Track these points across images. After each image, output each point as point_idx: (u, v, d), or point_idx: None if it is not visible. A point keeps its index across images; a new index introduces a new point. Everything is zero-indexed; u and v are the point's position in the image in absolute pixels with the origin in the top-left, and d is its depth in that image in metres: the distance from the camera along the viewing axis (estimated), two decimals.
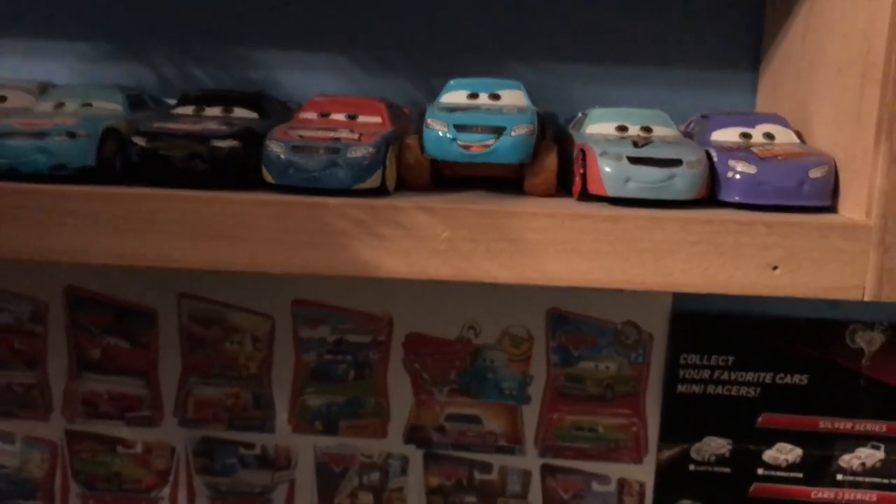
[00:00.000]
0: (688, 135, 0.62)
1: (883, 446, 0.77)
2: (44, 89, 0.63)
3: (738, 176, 0.54)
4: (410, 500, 0.80)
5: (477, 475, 0.80)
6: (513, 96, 0.61)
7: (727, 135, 0.60)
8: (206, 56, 0.74)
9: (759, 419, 0.77)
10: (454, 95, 0.61)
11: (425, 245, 0.51)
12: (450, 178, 0.58)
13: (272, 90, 0.70)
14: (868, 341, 0.75)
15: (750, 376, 0.76)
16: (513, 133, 0.55)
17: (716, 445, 0.78)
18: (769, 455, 0.77)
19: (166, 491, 0.81)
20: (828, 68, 0.58)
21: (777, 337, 0.76)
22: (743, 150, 0.56)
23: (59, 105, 0.59)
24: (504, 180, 0.58)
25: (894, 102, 0.50)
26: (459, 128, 0.55)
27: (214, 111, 0.60)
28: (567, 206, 0.54)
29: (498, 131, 0.55)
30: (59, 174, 0.53)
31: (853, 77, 0.54)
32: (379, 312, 0.77)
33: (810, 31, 0.62)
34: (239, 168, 0.54)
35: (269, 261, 0.52)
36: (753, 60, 0.72)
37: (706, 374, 0.77)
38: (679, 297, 0.76)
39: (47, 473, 0.81)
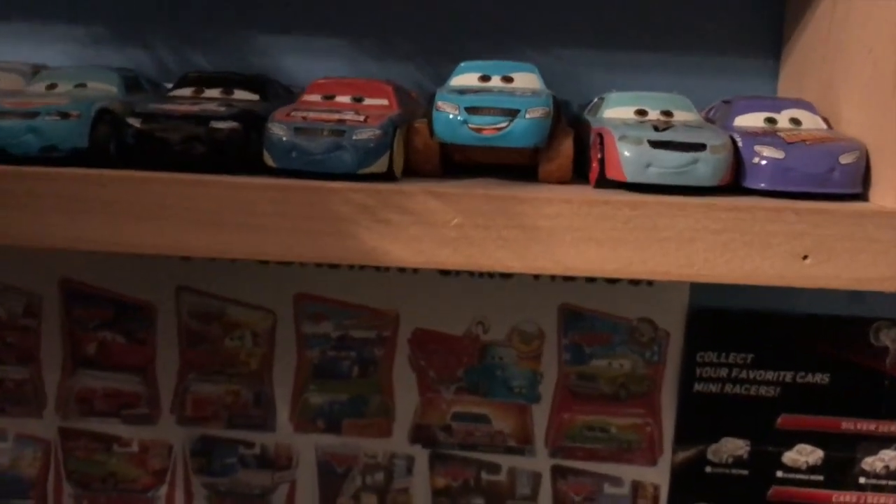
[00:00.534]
0: (709, 121, 0.60)
1: None
2: (37, 71, 0.61)
3: (764, 162, 0.52)
4: (416, 501, 0.79)
5: (485, 476, 0.78)
6: (526, 79, 0.59)
7: (751, 120, 0.58)
8: (207, 41, 0.72)
9: (779, 420, 0.75)
10: (465, 78, 0.59)
11: (434, 232, 0.49)
12: (460, 164, 0.56)
13: (275, 75, 0.68)
14: (893, 339, 0.74)
15: (769, 375, 0.75)
16: (527, 115, 0.53)
17: (733, 447, 0.76)
18: (789, 457, 0.76)
19: (163, 491, 0.80)
20: (858, 48, 0.56)
21: (798, 334, 0.74)
22: (769, 136, 0.54)
23: (52, 86, 0.58)
24: (517, 167, 0.56)
25: None
26: (471, 110, 0.53)
27: (214, 93, 0.58)
28: (583, 192, 0.52)
29: (512, 114, 0.53)
30: (49, 156, 0.51)
31: (886, 55, 0.51)
32: (384, 307, 0.76)
33: (839, 9, 0.59)
34: (239, 151, 0.52)
35: (271, 248, 0.50)
36: (774, 45, 0.70)
37: (724, 372, 0.75)
38: (696, 293, 0.74)
39: (40, 472, 0.80)
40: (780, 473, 0.76)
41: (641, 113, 0.57)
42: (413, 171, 0.55)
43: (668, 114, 0.57)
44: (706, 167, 0.51)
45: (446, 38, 0.71)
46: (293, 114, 0.53)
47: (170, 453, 0.79)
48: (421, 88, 0.68)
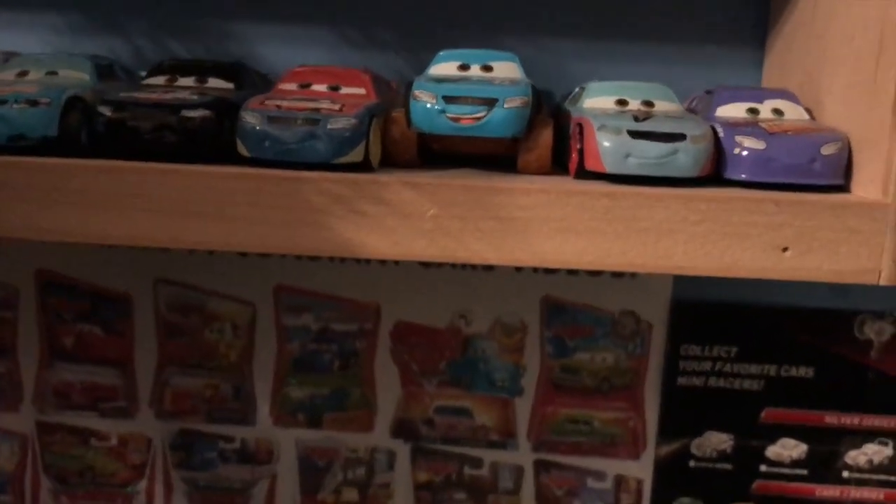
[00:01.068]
0: (691, 111, 0.60)
1: (891, 442, 0.75)
2: (7, 59, 0.60)
3: (745, 152, 0.52)
4: (397, 496, 0.79)
5: (467, 470, 0.78)
6: (506, 68, 0.58)
7: (733, 110, 0.57)
8: (184, 29, 0.71)
9: (763, 413, 0.76)
10: (444, 67, 0.58)
11: (410, 223, 0.49)
12: (438, 154, 0.55)
13: (254, 65, 0.67)
14: (877, 332, 0.74)
15: (753, 369, 0.75)
16: (506, 105, 0.52)
17: (717, 441, 0.76)
18: (773, 451, 0.76)
19: (142, 485, 0.80)
20: (840, 37, 0.55)
21: (782, 327, 0.74)
22: (750, 126, 0.54)
23: (23, 73, 0.57)
24: (496, 157, 0.55)
25: None
26: (449, 99, 0.52)
27: (188, 81, 0.58)
28: (562, 183, 0.51)
29: (490, 103, 0.52)
30: (17, 145, 0.50)
31: (868, 45, 0.51)
32: (366, 300, 0.76)
33: (821, 1, 0.59)
34: (211, 140, 0.51)
35: (244, 239, 0.49)
36: (758, 35, 0.69)
37: (707, 366, 0.75)
38: (679, 286, 0.74)
39: (17, 467, 0.79)
40: (763, 467, 0.76)
41: (622, 103, 0.57)
42: (391, 161, 0.55)
43: (648, 104, 0.57)
44: (686, 158, 0.50)
45: (427, 28, 0.70)
46: (267, 102, 0.52)
47: (149, 447, 0.79)
48: (401, 77, 0.67)
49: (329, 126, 0.50)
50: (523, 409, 0.77)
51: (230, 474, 0.79)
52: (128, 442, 0.79)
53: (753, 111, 0.57)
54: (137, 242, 0.50)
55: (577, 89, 0.60)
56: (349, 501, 0.79)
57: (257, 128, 0.50)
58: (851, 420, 0.75)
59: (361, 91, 0.56)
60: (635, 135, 0.51)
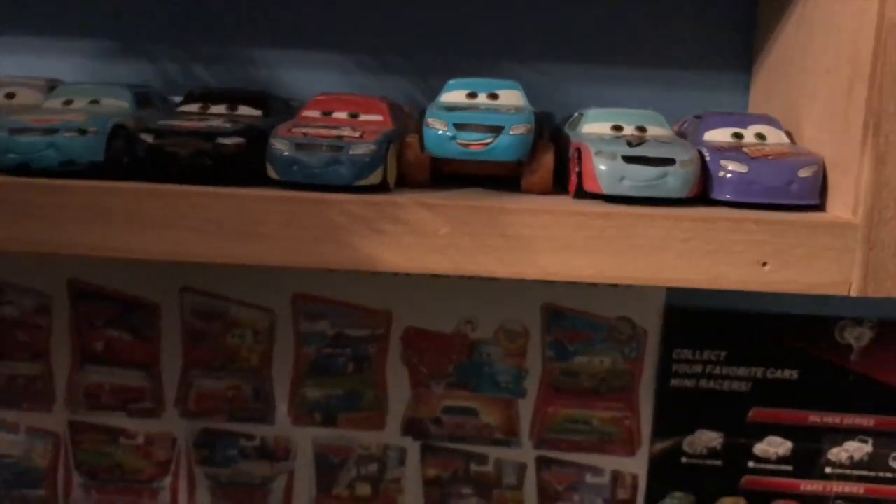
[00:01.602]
0: (681, 134, 0.63)
1: (871, 440, 0.78)
2: (52, 87, 0.64)
3: (729, 175, 0.55)
4: (407, 491, 0.81)
5: (473, 467, 0.80)
6: (511, 96, 0.62)
7: (720, 135, 0.60)
8: (210, 55, 0.75)
9: (751, 413, 0.78)
10: (454, 95, 0.62)
11: (425, 240, 0.52)
12: (449, 175, 0.59)
13: (275, 89, 0.71)
14: (856, 337, 0.76)
15: (741, 371, 0.77)
16: (511, 132, 0.56)
17: (707, 439, 0.79)
18: (760, 448, 0.78)
19: (167, 481, 0.82)
20: (818, 69, 0.59)
21: (768, 333, 0.77)
22: (734, 150, 0.57)
23: (68, 102, 0.60)
24: (502, 178, 0.59)
25: (880, 103, 0.51)
26: (459, 126, 0.56)
27: (219, 109, 0.61)
28: (563, 203, 0.55)
29: (496, 130, 0.56)
30: (68, 169, 0.54)
31: (841, 78, 0.55)
32: (378, 307, 0.78)
33: (802, 33, 0.63)
34: (244, 165, 0.55)
35: (274, 255, 0.53)
36: (746, 62, 0.73)
37: (698, 368, 0.78)
38: (672, 294, 0.77)
39: (50, 464, 0.82)
40: (751, 464, 0.79)
41: (617, 128, 0.60)
42: (406, 182, 0.58)
43: (642, 129, 0.60)
44: (675, 180, 0.54)
45: (438, 56, 0.73)
46: (294, 129, 0.56)
47: (174, 445, 0.81)
48: (413, 101, 0.71)
49: (351, 152, 0.54)
50: (526, 409, 0.79)
51: (250, 470, 0.81)
52: (154, 440, 0.81)
53: (738, 135, 0.60)
54: (176, 258, 0.53)
55: (575, 114, 0.64)
56: (362, 496, 0.81)
57: (286, 153, 0.54)
58: (833, 419, 0.77)
59: (379, 118, 0.59)
60: (629, 159, 0.54)
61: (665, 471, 0.79)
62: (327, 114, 0.60)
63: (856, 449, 0.78)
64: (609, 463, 0.80)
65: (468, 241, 0.52)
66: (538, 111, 0.60)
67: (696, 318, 0.77)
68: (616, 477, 0.80)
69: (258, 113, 0.61)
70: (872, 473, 0.78)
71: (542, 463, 0.80)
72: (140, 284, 0.79)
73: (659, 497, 0.80)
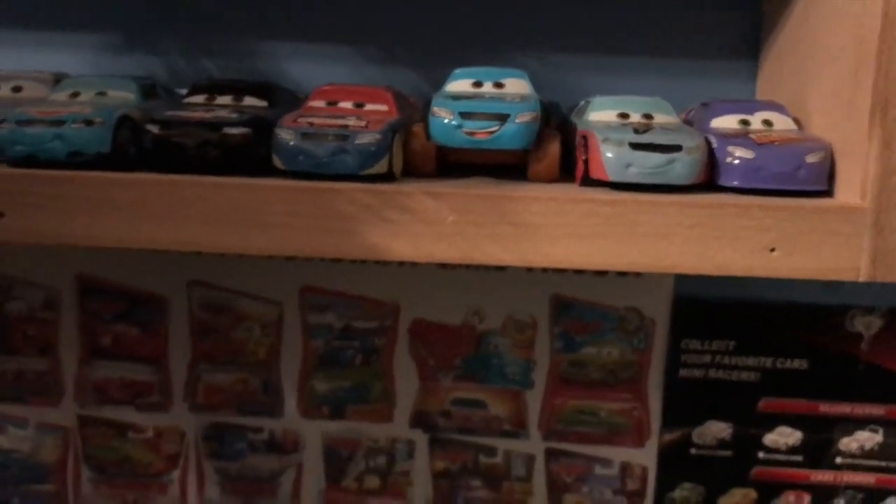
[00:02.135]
0: (688, 122, 0.63)
1: (881, 429, 0.77)
2: (58, 80, 0.64)
3: (736, 161, 0.55)
4: (416, 483, 0.81)
5: (482, 459, 0.80)
6: (516, 85, 0.62)
7: (727, 122, 0.60)
8: (215, 47, 0.75)
9: (760, 403, 0.78)
10: (459, 84, 0.62)
11: (432, 229, 0.52)
12: (455, 164, 0.59)
13: (280, 80, 0.71)
14: (867, 325, 0.76)
15: (750, 361, 0.77)
16: (517, 120, 0.56)
17: (717, 429, 0.78)
18: (769, 439, 0.78)
19: (176, 475, 0.82)
20: (824, 55, 0.59)
21: (777, 322, 0.76)
22: (741, 137, 0.57)
23: (75, 94, 0.61)
24: (508, 167, 0.59)
25: (886, 88, 0.51)
26: (464, 115, 0.56)
27: (225, 100, 0.61)
28: (569, 190, 0.55)
29: (502, 118, 0.56)
30: (75, 161, 0.54)
31: (848, 64, 0.55)
32: (385, 299, 0.78)
33: (809, 19, 0.63)
34: (250, 155, 0.55)
35: (281, 245, 0.53)
36: (753, 49, 0.73)
37: (707, 359, 0.77)
38: (681, 283, 0.76)
39: (59, 458, 0.82)
40: (761, 454, 0.78)
41: (624, 116, 0.60)
42: (411, 171, 0.58)
43: (648, 116, 0.60)
44: (682, 167, 0.54)
45: (443, 46, 0.74)
46: (300, 119, 0.56)
47: (182, 439, 0.81)
48: (419, 91, 0.71)
49: (357, 141, 0.54)
50: (534, 400, 0.79)
51: (259, 463, 0.81)
52: (163, 434, 0.81)
53: (745, 122, 0.60)
54: (183, 248, 0.53)
55: (582, 102, 0.64)
56: (371, 488, 0.81)
57: (292, 143, 0.54)
58: (843, 409, 0.77)
59: (384, 108, 0.59)
60: (636, 146, 0.54)
61: (674, 462, 0.79)
62: (333, 104, 0.60)
63: (866, 438, 0.78)
64: (618, 454, 0.80)
65: (474, 229, 0.52)
66: (544, 100, 0.60)
67: (704, 308, 0.77)
68: (625, 468, 0.80)
69: (264, 104, 0.61)
70: (883, 463, 0.78)
71: (551, 455, 0.80)
72: (147, 278, 0.79)
73: (668, 488, 0.80)
